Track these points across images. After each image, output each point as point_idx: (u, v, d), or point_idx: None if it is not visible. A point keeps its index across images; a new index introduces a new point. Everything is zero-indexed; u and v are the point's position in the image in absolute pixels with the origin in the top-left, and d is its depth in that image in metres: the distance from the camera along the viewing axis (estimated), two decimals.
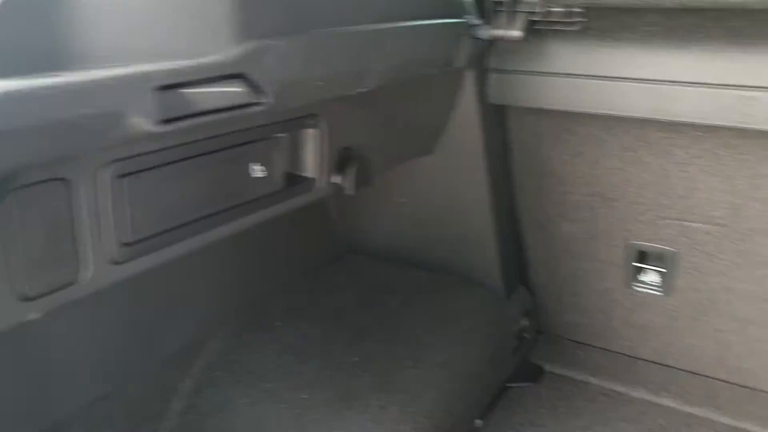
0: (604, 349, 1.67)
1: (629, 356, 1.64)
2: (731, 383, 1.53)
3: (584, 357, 1.65)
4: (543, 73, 1.15)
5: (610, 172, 1.31)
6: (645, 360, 1.62)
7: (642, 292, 1.49)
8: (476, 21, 1.08)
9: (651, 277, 1.47)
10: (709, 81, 1.02)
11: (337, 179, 1.00)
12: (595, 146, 1.29)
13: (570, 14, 1.04)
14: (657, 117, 1.08)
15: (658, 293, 1.47)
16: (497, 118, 1.29)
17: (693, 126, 1.14)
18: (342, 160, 1.00)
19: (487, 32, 1.07)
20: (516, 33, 1.06)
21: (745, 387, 1.52)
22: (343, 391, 1.14)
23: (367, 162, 1.02)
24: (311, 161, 0.94)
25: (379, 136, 1.06)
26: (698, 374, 1.57)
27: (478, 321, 1.40)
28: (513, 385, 1.54)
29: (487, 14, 1.09)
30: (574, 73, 1.12)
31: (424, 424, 1.15)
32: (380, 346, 1.23)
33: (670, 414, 1.47)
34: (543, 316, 1.71)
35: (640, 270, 1.47)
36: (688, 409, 1.48)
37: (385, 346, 1.24)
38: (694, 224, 1.30)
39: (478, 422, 1.41)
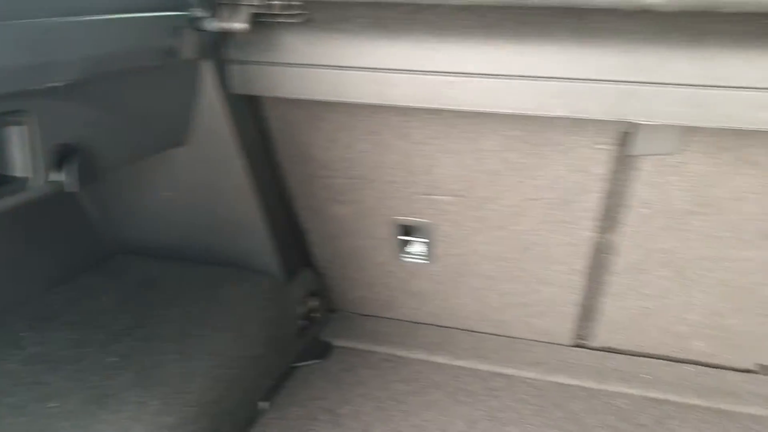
0: (389, 318, 1.80)
1: (411, 322, 1.78)
2: (494, 335, 1.74)
3: (371, 328, 1.77)
4: (280, 63, 1.20)
5: (363, 155, 1.41)
6: (424, 323, 1.78)
7: (411, 263, 1.62)
8: (202, 13, 1.09)
9: (417, 247, 1.61)
10: (416, 68, 1.14)
11: (57, 177, 0.97)
12: (346, 132, 1.37)
13: (290, 7, 1.10)
14: (380, 102, 1.18)
15: (424, 262, 1.61)
16: (249, 108, 1.33)
17: (423, 109, 1.27)
18: (61, 156, 0.97)
19: (212, 24, 1.10)
20: (240, 25, 1.09)
21: (505, 336, 1.73)
22: (98, 394, 1.11)
23: (91, 157, 1.00)
24: (20, 159, 0.90)
25: (107, 129, 1.04)
26: (467, 330, 1.75)
27: (253, 307, 1.44)
28: (300, 364, 1.60)
29: (213, 6, 1.11)
30: (307, 63, 1.19)
31: (190, 412, 1.16)
32: (141, 344, 1.22)
33: (442, 369, 1.62)
34: (333, 294, 1.80)
35: (406, 242, 1.60)
36: (457, 362, 1.64)
37: (146, 343, 1.22)
38: (438, 197, 1.44)
39: (263, 404, 1.45)
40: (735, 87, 1.01)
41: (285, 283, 1.57)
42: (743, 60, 1.00)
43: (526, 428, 1.43)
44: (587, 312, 1.61)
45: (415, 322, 1.78)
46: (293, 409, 1.47)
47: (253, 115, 1.35)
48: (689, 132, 1.18)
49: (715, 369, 1.62)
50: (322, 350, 1.67)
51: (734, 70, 1.00)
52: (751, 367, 1.62)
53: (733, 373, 1.61)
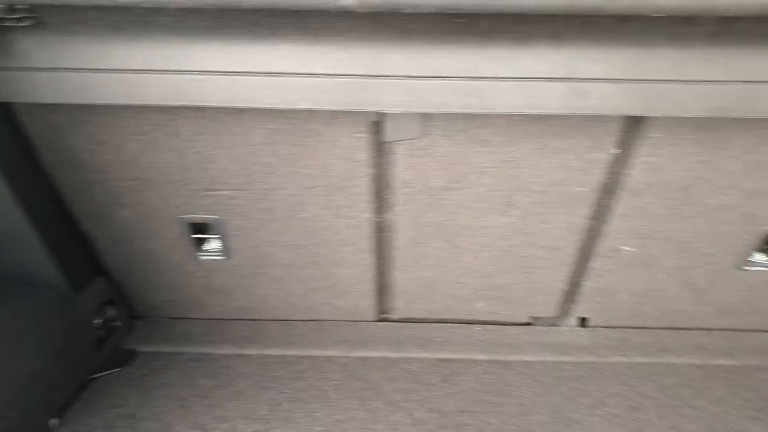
0: (198, 318, 1.80)
1: (220, 319, 1.80)
2: (301, 320, 1.81)
3: (181, 330, 1.76)
4: (17, 68, 1.16)
5: (136, 156, 1.40)
6: (233, 319, 1.80)
7: (209, 260, 1.64)
8: None
9: (212, 244, 1.63)
10: (160, 68, 1.16)
11: None
12: (113, 133, 1.35)
13: (14, 10, 1.06)
14: (130, 102, 1.19)
15: (221, 258, 1.63)
16: (3, 115, 1.27)
17: (189, 108, 1.29)
18: None
19: None
20: None
21: (312, 321, 1.81)
22: None
23: None
24: None
25: None
26: (276, 320, 1.81)
27: (32, 321, 1.38)
28: (98, 375, 1.56)
29: None
30: (46, 66, 1.15)
31: None
32: None
33: (251, 360, 1.66)
34: (135, 301, 1.77)
35: (200, 240, 1.61)
36: (265, 352, 1.69)
37: None
38: (221, 192, 1.47)
39: (54, 421, 1.40)
40: (444, 77, 1.15)
41: (72, 294, 1.51)
42: (449, 53, 1.14)
43: (326, 403, 1.52)
44: (383, 287, 1.74)
45: (225, 319, 1.80)
46: (88, 420, 1.43)
47: (6, 122, 1.29)
48: (427, 118, 1.32)
49: (497, 326, 1.82)
50: (124, 358, 1.63)
51: (440, 62, 1.14)
52: (527, 320, 1.84)
53: (512, 327, 1.82)
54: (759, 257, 1.67)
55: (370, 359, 1.67)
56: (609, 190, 1.49)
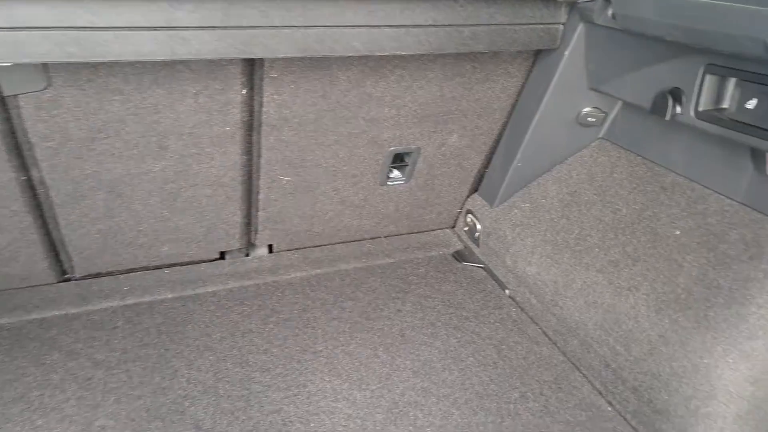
0: None
1: None
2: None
3: None
4: None
5: None
6: None
7: None
8: None
9: None
10: None
11: None
12: None
13: None
14: None
15: None
16: None
17: None
18: None
19: None
20: None
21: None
22: None
23: None
24: None
25: None
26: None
27: None
28: None
29: None
30: None
31: None
32: None
33: None
34: None
35: None
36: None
37: None
38: None
39: None
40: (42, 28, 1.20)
41: None
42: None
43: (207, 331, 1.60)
44: (56, 247, 1.75)
45: None
46: None
47: None
48: (50, 69, 1.36)
49: (186, 266, 1.97)
50: None
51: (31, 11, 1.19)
52: (216, 256, 2.02)
53: (203, 264, 1.99)
54: (395, 173, 2.06)
55: (48, 319, 1.69)
56: (252, 127, 1.70)
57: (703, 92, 1.42)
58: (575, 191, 1.89)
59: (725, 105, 1.40)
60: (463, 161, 2.11)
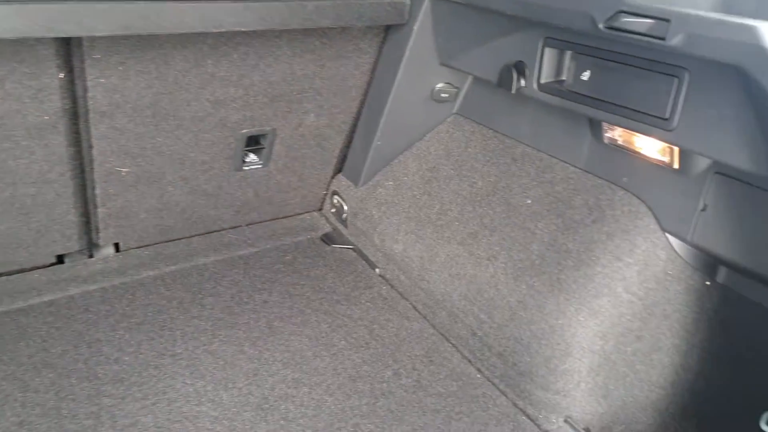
0: None
1: None
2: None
3: None
4: None
5: None
6: None
7: None
8: None
9: None
10: None
11: None
12: None
13: None
14: None
15: None
16: None
17: None
18: None
19: None
20: None
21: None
22: None
23: None
24: None
25: None
26: None
27: None
28: None
29: None
30: None
31: None
32: None
33: None
34: None
35: None
36: None
37: None
38: None
39: None
40: None
41: None
42: None
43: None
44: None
45: None
46: None
47: None
48: None
49: (15, 274, 1.72)
50: None
51: None
52: (53, 261, 1.79)
53: (36, 271, 1.75)
54: (251, 157, 1.95)
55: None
56: (78, 115, 1.50)
57: (543, 65, 1.47)
58: (434, 167, 1.92)
59: (564, 77, 1.46)
60: (323, 141, 2.05)
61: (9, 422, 1.29)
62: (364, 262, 2.01)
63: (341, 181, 2.17)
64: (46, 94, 1.40)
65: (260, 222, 2.16)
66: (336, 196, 2.18)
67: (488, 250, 1.66)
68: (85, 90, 1.45)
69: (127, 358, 1.49)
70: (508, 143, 1.77)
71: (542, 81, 1.49)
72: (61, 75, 1.39)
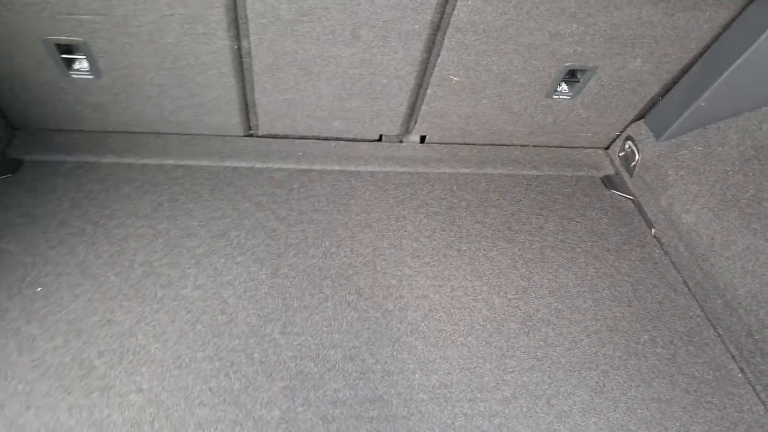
0: (76, 130, 1.96)
1: (98, 132, 1.97)
2: (175, 134, 2.02)
3: (60, 141, 1.93)
4: None
5: None
6: (111, 132, 1.98)
7: (80, 78, 1.76)
8: None
9: (83, 64, 1.74)
10: None
11: None
12: None
13: None
14: None
15: (91, 77, 1.76)
16: None
17: None
18: None
19: None
20: None
21: (185, 134, 2.03)
22: None
23: None
24: None
25: None
26: (152, 133, 2.01)
27: None
28: None
29: None
30: None
31: None
32: None
33: (131, 169, 1.89)
34: (12, 114, 1.88)
35: (71, 60, 1.72)
36: (144, 161, 1.92)
37: None
38: (82, 17, 1.56)
39: None
40: None
41: None
42: None
43: (201, 204, 1.82)
44: (247, 107, 1.96)
45: (103, 131, 1.97)
46: None
47: None
48: None
49: (350, 142, 2.13)
50: (13, 166, 1.81)
51: None
52: (376, 138, 2.16)
53: (364, 143, 2.14)
54: (563, 87, 2.03)
55: (239, 168, 1.96)
56: (438, 27, 1.73)
57: None
58: (762, 146, 1.78)
59: None
60: (639, 87, 2.02)
61: (342, 261, 1.70)
62: (641, 218, 2.03)
63: (641, 129, 2.14)
64: (424, 8, 1.63)
65: (547, 146, 2.28)
66: (629, 142, 2.18)
67: None
68: (453, 8, 1.64)
69: (424, 240, 1.82)
70: None
71: None
72: None
